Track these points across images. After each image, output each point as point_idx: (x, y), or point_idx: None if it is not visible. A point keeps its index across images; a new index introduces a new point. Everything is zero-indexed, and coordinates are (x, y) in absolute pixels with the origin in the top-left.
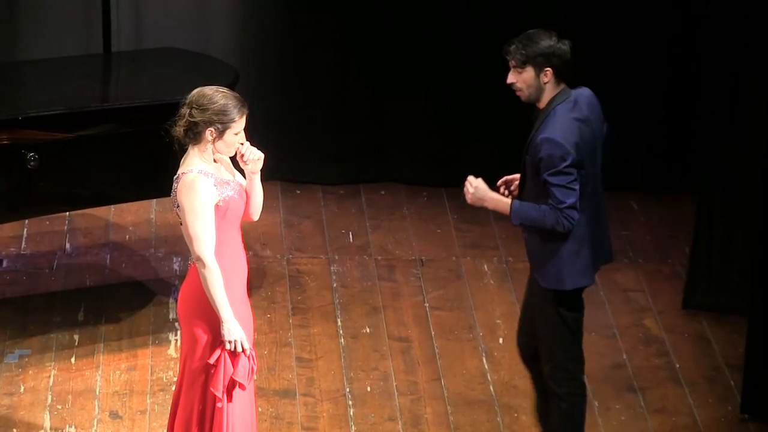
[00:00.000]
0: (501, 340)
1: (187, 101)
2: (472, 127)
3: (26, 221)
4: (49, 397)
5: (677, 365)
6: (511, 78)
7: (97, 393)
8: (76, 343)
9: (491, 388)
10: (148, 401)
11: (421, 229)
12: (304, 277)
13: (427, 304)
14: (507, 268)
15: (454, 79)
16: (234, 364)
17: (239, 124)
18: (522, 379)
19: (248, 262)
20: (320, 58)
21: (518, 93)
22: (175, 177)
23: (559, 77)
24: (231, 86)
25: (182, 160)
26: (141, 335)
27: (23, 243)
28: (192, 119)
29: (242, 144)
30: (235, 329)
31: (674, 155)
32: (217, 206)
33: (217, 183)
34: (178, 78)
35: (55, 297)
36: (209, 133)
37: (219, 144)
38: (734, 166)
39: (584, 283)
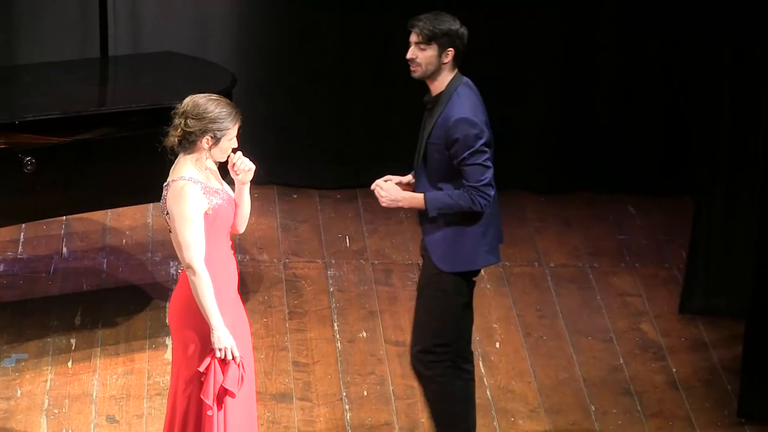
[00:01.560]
0: (497, 345)
1: (181, 111)
2: None
3: (23, 225)
4: (46, 401)
5: (674, 369)
6: (412, 53)
7: (94, 397)
8: (73, 347)
9: (488, 392)
10: (145, 405)
11: (417, 233)
12: (301, 282)
13: None
14: (503, 272)
15: None
16: (224, 371)
17: (234, 130)
18: (518, 383)
19: (239, 269)
20: (318, 62)
21: (414, 69)
22: (165, 184)
23: (456, 60)
24: (228, 90)
25: (173, 167)
26: (138, 339)
27: (20, 247)
28: (187, 129)
29: (234, 152)
30: (225, 337)
31: (672, 159)
32: (206, 214)
33: (206, 191)
34: (176, 82)
35: (52, 301)
36: (205, 142)
37: (214, 151)
38: (732, 170)
39: (493, 261)
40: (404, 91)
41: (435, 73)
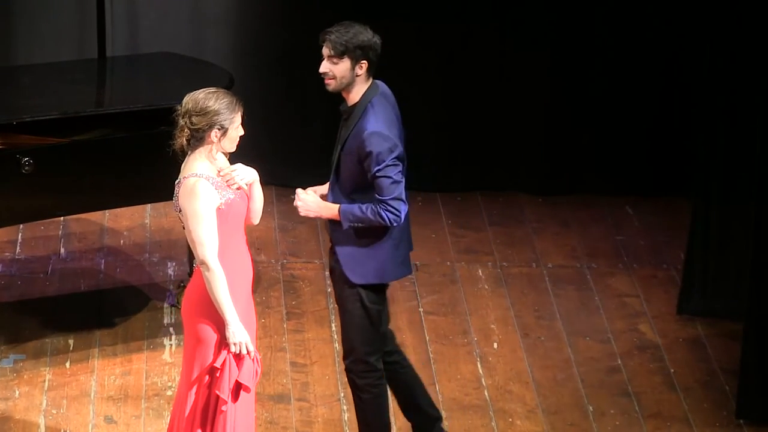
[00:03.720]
0: (495, 345)
1: (183, 111)
2: (467, 131)
3: (21, 226)
4: (44, 401)
5: (672, 370)
6: (324, 67)
7: (92, 397)
8: (71, 348)
9: (486, 393)
10: (142, 406)
11: (415, 233)
12: (299, 282)
13: (421, 309)
14: (501, 273)
15: (450, 84)
16: (239, 366)
17: (238, 118)
18: (516, 384)
19: (253, 264)
20: (315, 63)
21: (328, 82)
22: (176, 181)
23: (370, 71)
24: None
25: (183, 164)
26: (136, 340)
27: (18, 248)
28: (193, 127)
29: (233, 169)
30: (240, 332)
31: (669, 160)
32: (219, 209)
33: (218, 186)
34: (173, 82)
35: (50, 302)
36: (214, 135)
37: (224, 142)
38: (729, 171)
39: (406, 274)
40: (403, 91)
41: (349, 86)
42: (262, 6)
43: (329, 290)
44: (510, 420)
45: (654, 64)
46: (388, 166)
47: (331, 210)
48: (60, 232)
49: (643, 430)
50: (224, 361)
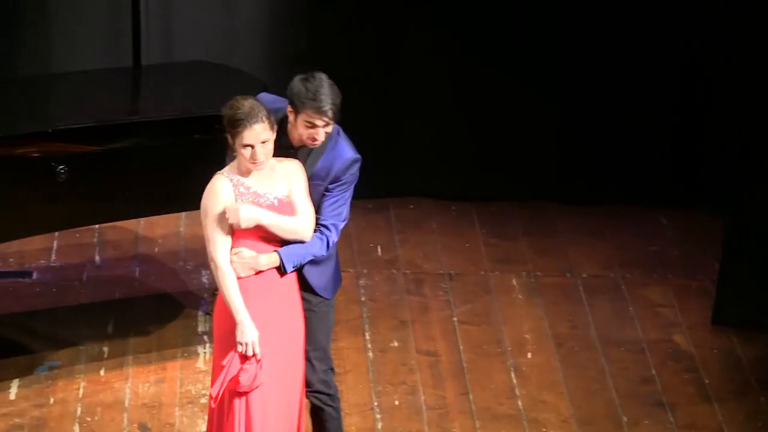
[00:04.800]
0: (529, 355)
1: None
2: (500, 140)
3: (56, 234)
4: (79, 408)
5: (707, 381)
6: (323, 135)
7: (126, 405)
8: (105, 355)
9: (519, 402)
10: (176, 414)
11: (449, 243)
12: None
13: (455, 318)
14: (535, 283)
15: (483, 94)
16: (241, 365)
17: (246, 137)
18: (550, 394)
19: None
20: (347, 69)
21: (317, 143)
22: None
23: None
24: None
25: None
26: (170, 348)
27: (53, 255)
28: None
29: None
30: (249, 332)
31: (704, 170)
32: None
33: (239, 191)
34: (207, 91)
35: (85, 309)
36: (229, 139)
37: (238, 152)
38: (763, 181)
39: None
40: (437, 101)
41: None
42: (295, 15)
43: (363, 299)
44: (543, 430)
45: (690, 74)
46: (348, 190)
47: (272, 258)
48: (95, 239)
49: None
50: (230, 359)
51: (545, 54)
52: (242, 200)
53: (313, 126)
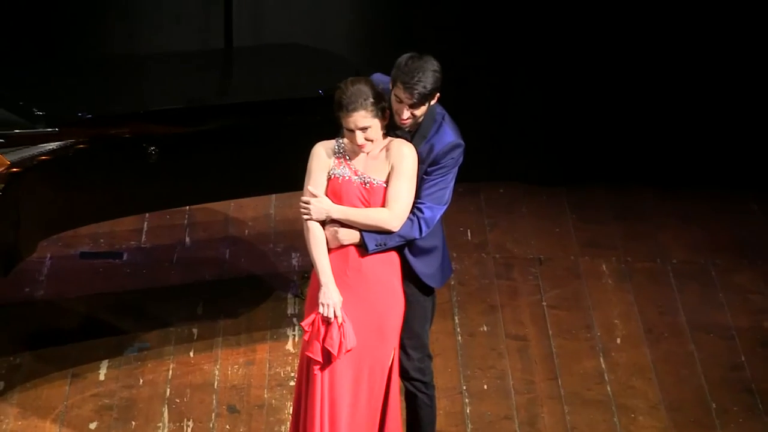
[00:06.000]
0: (618, 341)
1: None
2: (592, 125)
3: (147, 215)
4: (168, 390)
5: None
6: (408, 115)
7: (215, 387)
8: (195, 337)
9: (608, 388)
10: (265, 396)
11: (539, 227)
12: None
13: (544, 303)
14: (626, 268)
15: (564, 77)
16: (327, 331)
17: (347, 121)
18: (639, 380)
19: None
20: (440, 52)
21: (405, 123)
22: None
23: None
24: None
25: None
26: (259, 330)
27: (143, 236)
28: None
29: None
30: (330, 294)
31: None
32: (328, 178)
33: (340, 160)
34: (299, 73)
35: (174, 290)
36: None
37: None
38: None
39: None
40: (529, 87)
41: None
42: None
43: (452, 283)
44: (632, 416)
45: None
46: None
47: (351, 233)
48: (185, 221)
49: (767, 428)
50: (313, 322)
51: (644, 37)
52: (335, 167)
53: (400, 101)
